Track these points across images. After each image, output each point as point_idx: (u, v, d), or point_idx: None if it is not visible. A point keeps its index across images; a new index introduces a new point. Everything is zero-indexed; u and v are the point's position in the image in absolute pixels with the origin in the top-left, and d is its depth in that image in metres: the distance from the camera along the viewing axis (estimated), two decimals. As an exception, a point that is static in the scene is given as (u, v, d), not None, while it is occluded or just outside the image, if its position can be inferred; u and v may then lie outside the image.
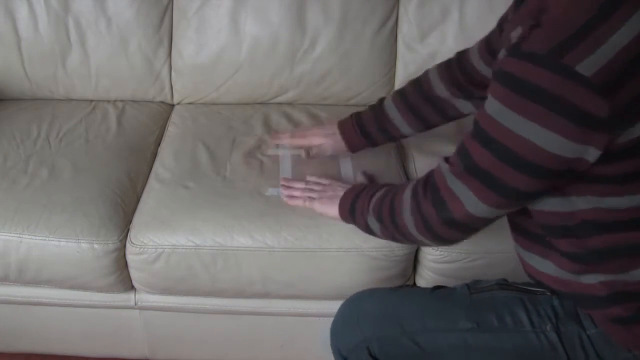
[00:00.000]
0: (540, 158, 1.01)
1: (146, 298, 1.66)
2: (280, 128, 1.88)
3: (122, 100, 2.02)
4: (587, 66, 0.93)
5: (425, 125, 1.59)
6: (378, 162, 1.72)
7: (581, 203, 1.07)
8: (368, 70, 1.96)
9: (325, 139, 1.68)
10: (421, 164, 1.76)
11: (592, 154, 1.00)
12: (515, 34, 1.06)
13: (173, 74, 2.00)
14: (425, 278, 1.61)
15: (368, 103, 1.77)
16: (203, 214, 1.55)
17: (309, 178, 1.59)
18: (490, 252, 1.54)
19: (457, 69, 1.53)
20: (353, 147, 1.64)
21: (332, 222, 1.51)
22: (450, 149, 1.18)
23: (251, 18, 1.90)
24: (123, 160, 1.74)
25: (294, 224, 1.54)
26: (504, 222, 1.49)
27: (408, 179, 1.73)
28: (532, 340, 1.18)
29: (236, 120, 1.92)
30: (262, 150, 1.76)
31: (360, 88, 1.99)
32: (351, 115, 1.66)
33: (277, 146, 1.77)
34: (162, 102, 2.06)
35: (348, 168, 1.69)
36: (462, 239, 1.19)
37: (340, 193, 1.47)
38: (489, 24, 1.50)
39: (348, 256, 1.54)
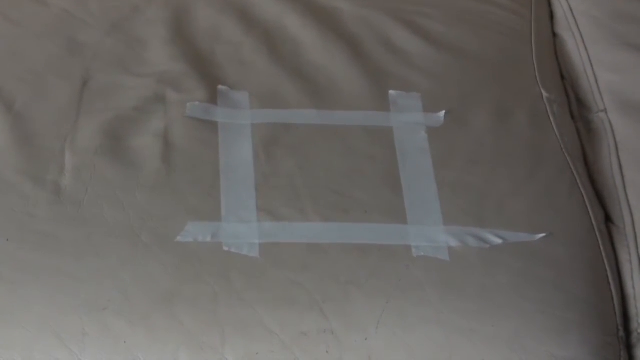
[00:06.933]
0: None
1: None
2: (227, 53, 1.12)
3: None
4: None
5: None
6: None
7: None
8: None
9: None
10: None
11: None
12: None
13: None
14: None
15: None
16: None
17: None
18: None
19: None
20: None
21: (361, 310, 0.86)
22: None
23: None
24: None
25: (260, 322, 0.86)
26: None
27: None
28: None
29: (94, 24, 1.18)
30: (168, 110, 1.05)
31: None
32: None
33: (218, 97, 1.05)
34: None
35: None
36: None
37: None
38: None
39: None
